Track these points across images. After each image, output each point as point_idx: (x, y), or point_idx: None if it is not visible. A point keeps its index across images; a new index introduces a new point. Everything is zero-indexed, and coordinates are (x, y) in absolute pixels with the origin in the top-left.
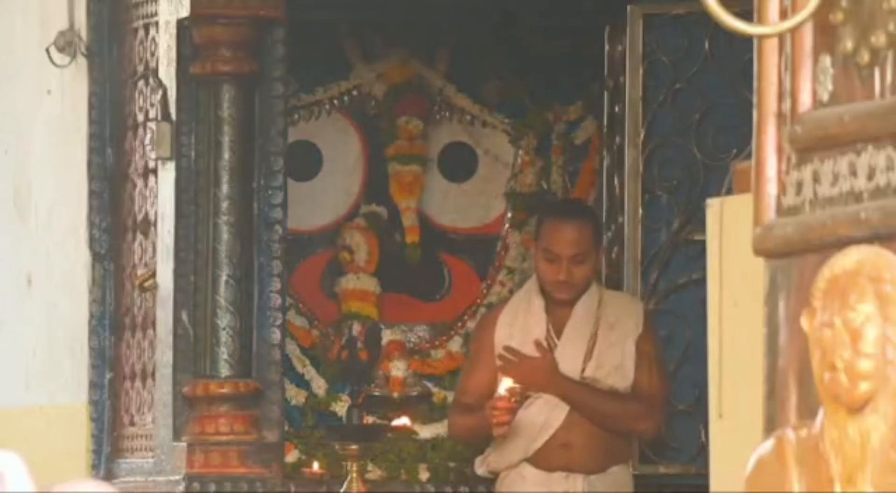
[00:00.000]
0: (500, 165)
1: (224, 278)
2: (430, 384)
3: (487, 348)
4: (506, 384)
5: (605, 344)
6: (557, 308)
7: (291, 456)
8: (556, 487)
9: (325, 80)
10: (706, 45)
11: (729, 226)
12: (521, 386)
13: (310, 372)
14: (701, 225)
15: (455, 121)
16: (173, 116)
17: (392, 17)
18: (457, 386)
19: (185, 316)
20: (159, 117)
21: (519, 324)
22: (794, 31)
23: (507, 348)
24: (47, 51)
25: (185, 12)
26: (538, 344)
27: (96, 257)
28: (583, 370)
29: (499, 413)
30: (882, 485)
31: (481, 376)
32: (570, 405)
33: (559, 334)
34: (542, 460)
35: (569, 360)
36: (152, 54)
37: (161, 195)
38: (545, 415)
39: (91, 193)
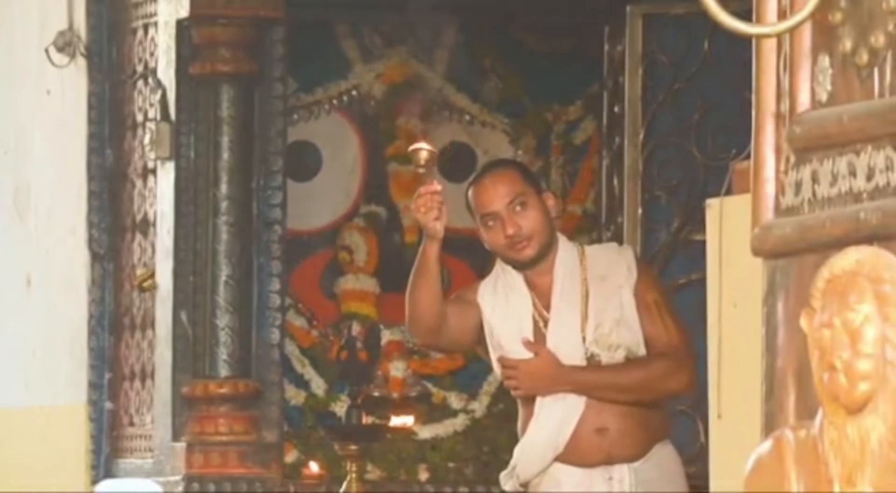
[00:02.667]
0: None
1: (223, 278)
2: (429, 384)
3: (470, 301)
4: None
5: (599, 300)
6: (536, 279)
7: (291, 456)
8: (598, 488)
9: (325, 80)
10: (706, 45)
11: (728, 226)
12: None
13: (309, 372)
14: (700, 225)
15: (454, 121)
16: (172, 117)
17: (392, 17)
18: None
19: (184, 316)
20: (158, 117)
21: (501, 299)
22: (792, 31)
23: (501, 359)
24: (47, 51)
25: (184, 12)
26: (528, 344)
27: (96, 257)
28: (584, 337)
29: (421, 201)
30: (881, 486)
31: (457, 315)
32: (587, 396)
33: (548, 306)
34: (577, 454)
35: (566, 330)
36: (152, 54)
37: (160, 195)
38: (562, 400)
39: (90, 193)
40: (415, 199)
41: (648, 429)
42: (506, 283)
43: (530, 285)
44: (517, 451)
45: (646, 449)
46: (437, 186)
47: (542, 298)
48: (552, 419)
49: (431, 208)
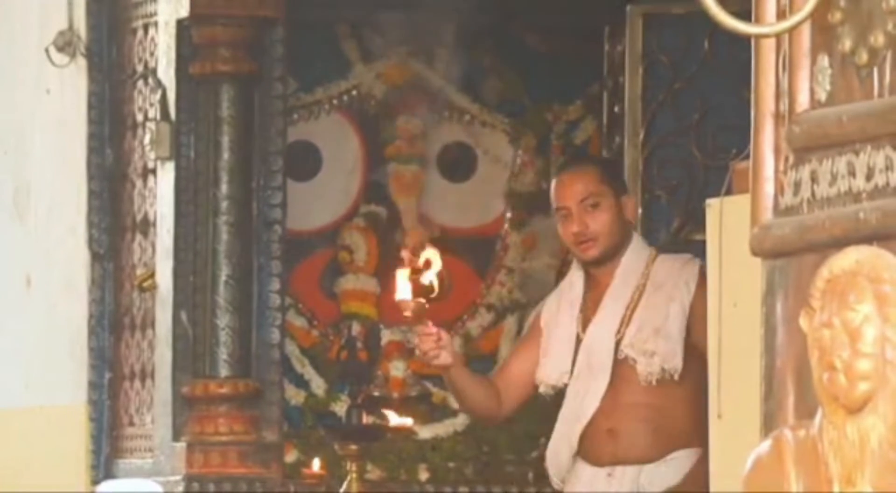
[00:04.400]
0: (499, 165)
1: (223, 278)
2: (429, 385)
3: (533, 332)
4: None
5: (646, 306)
6: (599, 276)
7: (291, 456)
8: (598, 484)
9: (325, 80)
10: (706, 45)
11: (728, 226)
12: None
13: (309, 372)
14: (701, 225)
15: (454, 121)
16: (173, 116)
17: (392, 17)
18: None
19: (184, 316)
20: (159, 117)
21: (561, 300)
22: (792, 31)
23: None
24: (47, 51)
25: (184, 12)
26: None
27: (96, 257)
28: (618, 339)
29: (419, 341)
30: (881, 485)
31: (519, 358)
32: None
33: (597, 305)
34: (592, 452)
35: (601, 328)
36: (151, 54)
37: (160, 195)
38: (579, 399)
39: (90, 193)
40: (415, 341)
41: (665, 434)
42: (568, 287)
43: (593, 282)
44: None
45: (661, 453)
46: (431, 329)
47: (597, 297)
48: (568, 417)
49: (428, 350)
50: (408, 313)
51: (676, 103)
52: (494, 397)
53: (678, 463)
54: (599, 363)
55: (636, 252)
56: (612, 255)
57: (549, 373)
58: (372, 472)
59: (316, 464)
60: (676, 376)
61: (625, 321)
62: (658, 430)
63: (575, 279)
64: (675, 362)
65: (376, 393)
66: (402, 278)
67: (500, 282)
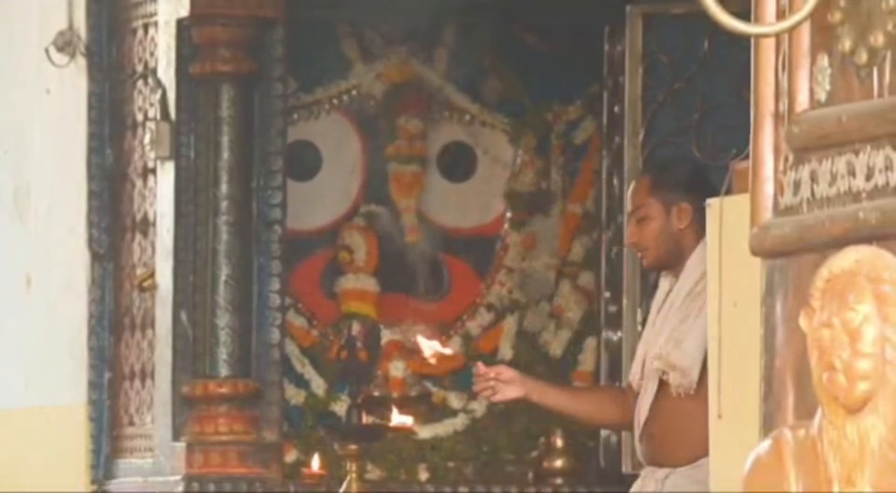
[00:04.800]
0: (499, 165)
1: (223, 277)
2: (429, 384)
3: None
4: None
5: (677, 317)
6: (675, 281)
7: (291, 456)
8: (636, 484)
9: (325, 80)
10: (706, 45)
11: (728, 226)
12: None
13: (309, 372)
14: (701, 225)
15: (454, 121)
16: (172, 116)
17: (392, 17)
18: None
19: (184, 316)
20: (158, 117)
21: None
22: (791, 30)
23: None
24: (46, 51)
25: (184, 12)
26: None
27: (95, 257)
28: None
29: (475, 382)
30: (881, 485)
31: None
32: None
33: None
34: (643, 454)
35: (655, 334)
36: (151, 54)
37: (160, 195)
38: (637, 404)
39: (90, 193)
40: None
41: (697, 439)
42: (656, 303)
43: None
44: None
45: (692, 458)
46: (481, 370)
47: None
48: (635, 421)
49: (482, 390)
50: (433, 361)
51: (676, 103)
52: (613, 404)
53: (705, 470)
54: (650, 370)
55: (699, 259)
56: (666, 263)
57: (632, 376)
58: (372, 472)
59: (315, 463)
60: (692, 392)
61: (661, 331)
62: (691, 436)
63: (661, 283)
64: (692, 377)
65: (376, 393)
66: (424, 342)
67: (500, 282)
